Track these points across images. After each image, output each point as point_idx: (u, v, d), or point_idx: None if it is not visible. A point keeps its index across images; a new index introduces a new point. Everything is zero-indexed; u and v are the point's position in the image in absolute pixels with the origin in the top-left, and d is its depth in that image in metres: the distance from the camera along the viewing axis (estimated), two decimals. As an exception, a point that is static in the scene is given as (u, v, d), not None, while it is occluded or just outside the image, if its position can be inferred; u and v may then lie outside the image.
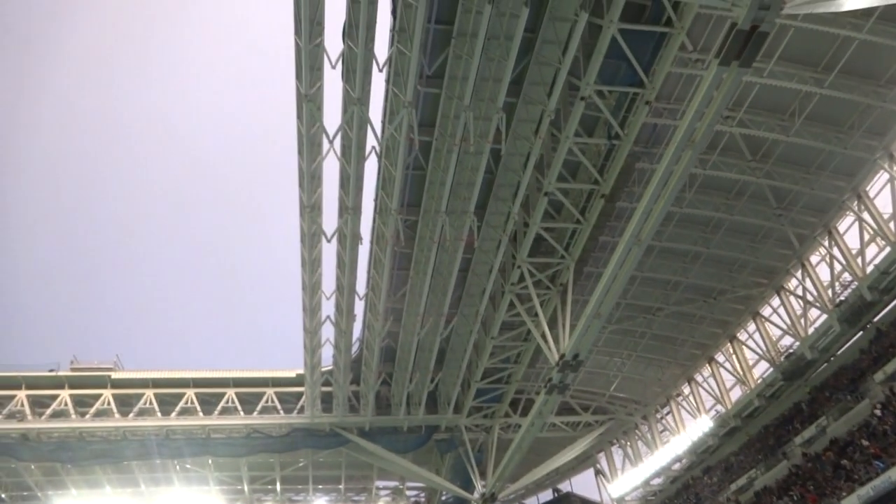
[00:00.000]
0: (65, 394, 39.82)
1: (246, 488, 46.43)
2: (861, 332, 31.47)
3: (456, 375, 38.00)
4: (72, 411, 39.38)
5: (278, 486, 46.89)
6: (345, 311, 32.59)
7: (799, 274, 33.16)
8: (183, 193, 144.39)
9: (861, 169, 28.34)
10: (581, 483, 51.15)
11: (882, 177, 28.31)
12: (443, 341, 35.77)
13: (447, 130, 25.30)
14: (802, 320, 33.55)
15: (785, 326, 34.75)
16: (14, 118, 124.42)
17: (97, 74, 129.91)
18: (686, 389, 42.74)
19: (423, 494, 52.99)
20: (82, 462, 40.48)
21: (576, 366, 28.96)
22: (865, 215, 29.07)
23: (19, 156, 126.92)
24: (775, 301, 35.35)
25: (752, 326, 37.19)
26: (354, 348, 36.69)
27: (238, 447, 40.99)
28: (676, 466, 43.33)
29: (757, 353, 37.04)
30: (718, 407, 40.05)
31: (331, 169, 26.31)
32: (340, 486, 48.95)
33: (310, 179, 26.12)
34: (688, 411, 42.68)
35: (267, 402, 41.05)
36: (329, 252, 29.78)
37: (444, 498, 49.02)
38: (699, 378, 41.54)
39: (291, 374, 41.41)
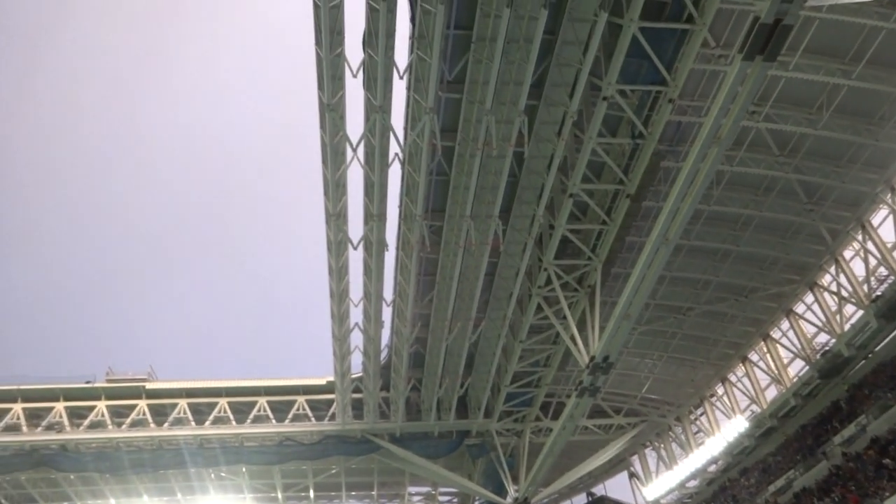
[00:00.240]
0: (101, 405, 40.61)
1: (280, 495, 46.83)
2: (899, 328, 30.70)
3: (485, 380, 37.92)
4: (108, 422, 40.13)
5: (311, 493, 47.17)
6: (373, 318, 32.74)
7: (833, 269, 32.51)
8: (213, 205, 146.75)
9: (894, 160, 27.69)
10: (615, 486, 50.64)
11: (916, 168, 27.68)
12: (471, 346, 35.72)
13: (469, 135, 25.33)
14: (838, 317, 32.83)
15: (820, 323, 34.05)
16: (45, 126, 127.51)
17: (127, 87, 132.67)
18: (720, 390, 42.11)
19: (455, 499, 52.93)
20: (120, 471, 41.20)
21: (606, 368, 28.72)
22: (900, 208, 28.42)
23: (57, 167, 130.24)
24: (809, 298, 34.69)
25: (785, 324, 36.52)
26: (383, 355, 36.84)
27: (271, 455, 41.35)
28: (712, 468, 42.64)
29: (792, 352, 36.35)
30: (753, 407, 39.37)
31: (355, 177, 26.55)
32: (373, 493, 49.18)
33: (335, 188, 26.33)
34: (722, 412, 42.03)
35: (298, 409, 41.39)
36: (356, 259, 30.00)
37: (476, 503, 48.89)
38: (733, 378, 40.89)
39: (322, 381, 41.67)
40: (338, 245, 28.85)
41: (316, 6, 20.03)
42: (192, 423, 40.50)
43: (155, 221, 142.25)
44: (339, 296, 31.48)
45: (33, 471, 41.11)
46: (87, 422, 40.05)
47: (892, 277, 29.18)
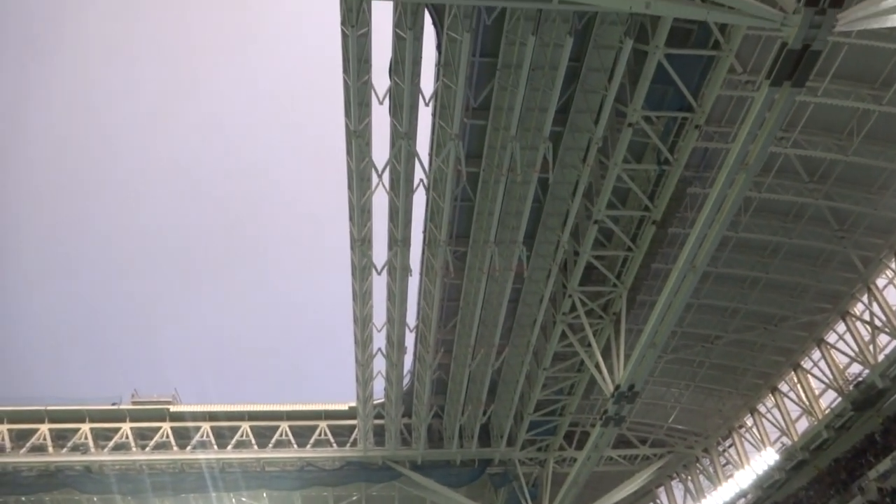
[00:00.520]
0: (126, 427, 40.93)
1: (300, 522, 46.50)
2: (936, 359, 29.83)
3: (508, 408, 37.51)
4: (132, 444, 40.39)
5: (332, 520, 46.80)
6: (395, 344, 32.69)
7: (865, 298, 31.75)
8: (237, 229, 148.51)
9: (928, 187, 27.18)
10: (641, 519, 49.42)
11: (952, 194, 27.09)
12: (494, 373, 35.42)
13: (494, 161, 25.41)
14: (871, 347, 32.01)
15: (852, 353, 33.21)
16: (70, 149, 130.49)
17: (154, 114, 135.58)
18: (749, 421, 41.14)
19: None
20: (142, 494, 41.16)
21: (632, 397, 28.29)
22: (935, 235, 27.79)
23: (82, 195, 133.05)
24: (841, 327, 33.87)
25: (816, 354, 35.67)
26: (406, 381, 36.68)
27: (292, 480, 41.16)
28: (741, 502, 41.47)
29: (823, 382, 35.40)
30: (784, 439, 38.35)
31: (380, 202, 26.75)
32: (394, 521, 48.58)
33: (360, 213, 26.52)
34: (751, 444, 40.99)
35: (320, 435, 41.30)
36: (380, 284, 30.09)
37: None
38: (762, 409, 39.95)
39: (344, 406, 41.61)
40: (362, 270, 28.96)
41: (344, 35, 20.39)
42: (215, 447, 40.55)
43: (179, 246, 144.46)
44: (363, 321, 31.50)
45: (57, 492, 41.37)
46: (111, 443, 40.37)
47: (928, 307, 28.46)
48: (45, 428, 40.52)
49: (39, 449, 39.95)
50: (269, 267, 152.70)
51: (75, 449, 40.07)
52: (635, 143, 23.60)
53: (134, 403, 42.58)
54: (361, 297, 30.29)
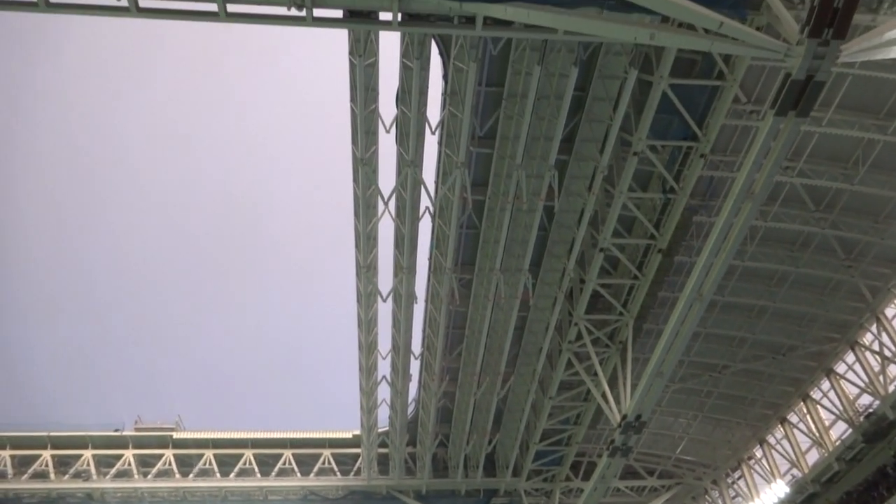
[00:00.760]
0: (129, 453, 40.68)
1: (303, 553, 45.85)
2: (948, 390, 29.45)
3: (514, 437, 37.14)
4: (135, 471, 40.10)
5: (335, 551, 46.14)
6: (400, 371, 32.54)
7: (874, 328, 31.48)
8: (241, 254, 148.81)
9: (935, 216, 27.09)
10: (649, 552, 48.54)
11: (959, 224, 26.97)
12: (500, 401, 35.15)
13: (500, 189, 25.53)
14: (881, 377, 31.63)
15: (862, 384, 32.82)
16: (55, 185, 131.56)
17: (173, 148, 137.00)
18: (758, 452, 40.55)
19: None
20: (144, 523, 40.89)
21: (639, 427, 27.92)
22: (943, 265, 27.61)
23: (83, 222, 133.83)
24: (850, 357, 33.51)
25: (826, 384, 35.22)
26: (410, 409, 36.45)
27: (295, 510, 40.78)
28: (751, 535, 40.77)
29: (833, 413, 34.94)
30: (794, 471, 37.71)
31: (386, 229, 26.85)
32: (398, 551, 47.87)
33: (366, 240, 26.62)
34: (761, 475, 40.35)
35: (324, 463, 40.94)
36: (385, 311, 30.06)
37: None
38: (772, 440, 39.40)
39: (348, 435, 41.30)
40: (367, 297, 28.97)
41: (352, 64, 20.67)
42: (217, 475, 40.21)
43: (182, 270, 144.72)
44: (368, 348, 31.43)
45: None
46: (113, 470, 40.07)
47: (938, 337, 28.17)
48: (47, 454, 40.31)
49: (41, 475, 39.69)
50: (274, 292, 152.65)
51: (77, 476, 39.77)
52: (640, 171, 23.69)
53: (137, 430, 42.31)
54: (366, 323, 30.25)
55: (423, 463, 39.35)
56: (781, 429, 38.46)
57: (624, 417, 27.65)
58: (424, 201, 25.61)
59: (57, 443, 40.77)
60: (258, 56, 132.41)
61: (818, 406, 35.93)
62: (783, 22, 14.82)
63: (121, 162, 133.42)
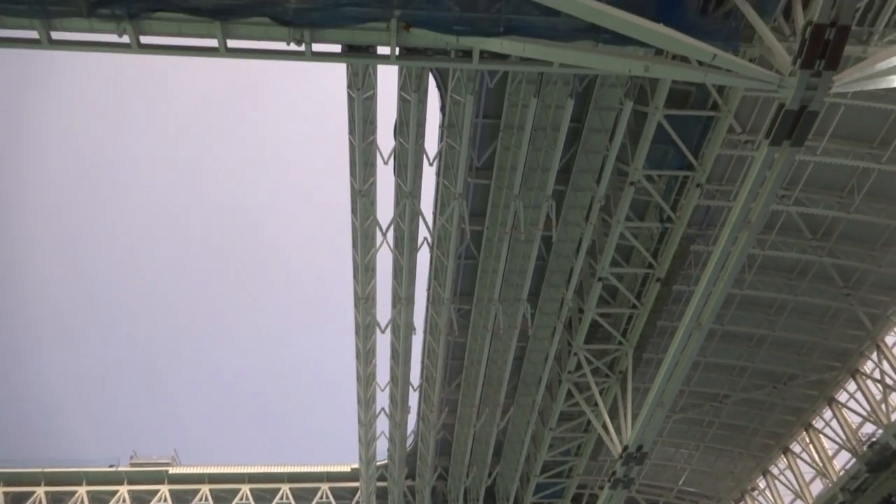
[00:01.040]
0: (123, 489, 40.14)
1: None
2: (951, 418, 29.24)
3: (514, 469, 36.64)
4: (129, 507, 39.52)
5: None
6: (399, 403, 32.26)
7: (874, 356, 31.35)
8: (238, 287, 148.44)
9: (931, 244, 27.18)
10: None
11: (957, 251, 27.05)
12: (500, 433, 34.76)
13: (498, 219, 25.61)
14: (883, 406, 31.42)
15: (864, 413, 32.58)
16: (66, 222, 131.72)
17: (168, 175, 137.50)
18: (761, 483, 40.08)
19: None
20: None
21: (640, 458, 27.59)
22: (942, 292, 27.62)
23: (96, 259, 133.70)
24: (851, 385, 33.33)
25: (828, 413, 34.94)
26: (409, 441, 36.06)
27: (292, 546, 40.09)
28: (757, 569, 40.07)
29: (836, 443, 34.63)
30: (798, 502, 37.26)
31: (384, 260, 26.90)
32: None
33: (364, 271, 26.62)
34: (765, 507, 39.88)
35: (322, 497, 40.43)
36: (383, 343, 29.94)
37: None
38: (775, 470, 38.96)
39: (346, 468, 40.88)
40: (366, 328, 28.88)
41: (350, 98, 20.91)
42: (213, 511, 39.66)
43: (180, 303, 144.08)
44: (366, 380, 31.21)
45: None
46: (107, 507, 39.50)
47: (939, 365, 28.05)
48: (41, 491, 39.78)
49: (34, 513, 39.15)
50: (272, 323, 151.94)
51: (71, 513, 39.23)
52: (637, 201, 23.79)
53: (132, 465, 41.81)
54: (365, 355, 30.09)
55: (422, 496, 38.77)
56: (784, 459, 38.06)
57: (625, 448, 27.32)
58: (423, 232, 25.76)
59: (51, 479, 40.26)
60: (255, 89, 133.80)
61: (821, 435, 35.61)
62: (776, 54, 15.02)
63: (129, 183, 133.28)
